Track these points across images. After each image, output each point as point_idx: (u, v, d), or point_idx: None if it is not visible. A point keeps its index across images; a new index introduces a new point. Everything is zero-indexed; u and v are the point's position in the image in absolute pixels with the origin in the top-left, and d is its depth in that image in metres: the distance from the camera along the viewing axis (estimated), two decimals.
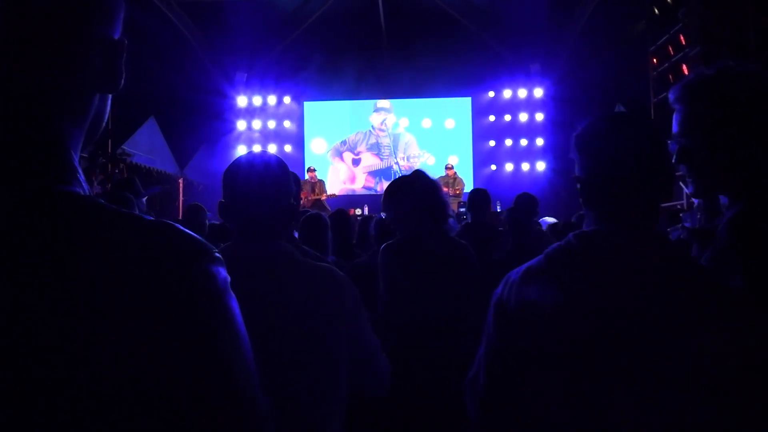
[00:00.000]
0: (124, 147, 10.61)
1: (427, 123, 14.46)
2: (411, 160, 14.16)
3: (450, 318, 2.45)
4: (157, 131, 12.81)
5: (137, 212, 3.02)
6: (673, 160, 1.40)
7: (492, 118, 14.36)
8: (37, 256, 0.60)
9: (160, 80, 11.10)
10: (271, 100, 14.26)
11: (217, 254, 0.70)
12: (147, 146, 12.18)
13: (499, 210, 11.59)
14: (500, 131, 14.31)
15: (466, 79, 13.65)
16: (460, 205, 10.48)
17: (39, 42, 0.67)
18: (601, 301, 1.10)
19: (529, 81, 14.05)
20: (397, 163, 14.11)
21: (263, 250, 1.50)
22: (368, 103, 14.52)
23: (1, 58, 0.66)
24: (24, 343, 0.58)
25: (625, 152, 1.18)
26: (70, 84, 0.70)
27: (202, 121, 13.17)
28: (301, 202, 10.78)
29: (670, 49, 10.10)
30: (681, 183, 9.39)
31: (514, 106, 14.20)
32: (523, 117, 14.07)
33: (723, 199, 1.42)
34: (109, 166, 9.76)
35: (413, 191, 2.60)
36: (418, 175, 2.69)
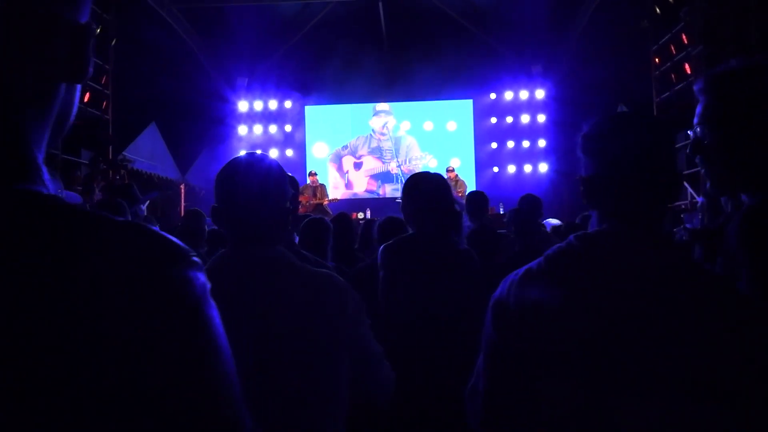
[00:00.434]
0: (125, 153, 10.60)
1: (428, 126, 14.43)
2: (412, 163, 14.13)
3: (449, 320, 2.41)
4: (158, 137, 12.81)
5: (132, 218, 2.98)
6: (688, 151, 1.40)
7: (494, 119, 14.32)
8: None
9: (161, 86, 11.11)
10: (273, 104, 14.25)
11: (195, 258, 0.65)
12: (148, 152, 12.18)
13: (502, 212, 11.56)
14: (502, 133, 14.27)
15: (467, 81, 13.60)
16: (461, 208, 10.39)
17: None
18: (602, 302, 1.09)
19: (530, 82, 14.02)
20: (399, 166, 14.08)
21: (260, 255, 1.44)
22: (370, 107, 14.49)
23: None
24: None
25: (630, 152, 1.17)
26: (31, 73, 0.63)
27: (204, 126, 13.17)
28: (303, 206, 10.75)
29: (673, 48, 10.06)
30: (686, 183, 9.36)
31: (516, 107, 14.16)
32: (525, 118, 14.03)
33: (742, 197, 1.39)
34: (110, 172, 9.74)
35: (418, 192, 2.56)
36: (424, 176, 2.65)
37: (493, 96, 14.23)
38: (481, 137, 14.39)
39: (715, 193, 1.48)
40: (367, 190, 14.28)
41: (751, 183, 1.33)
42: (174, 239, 0.64)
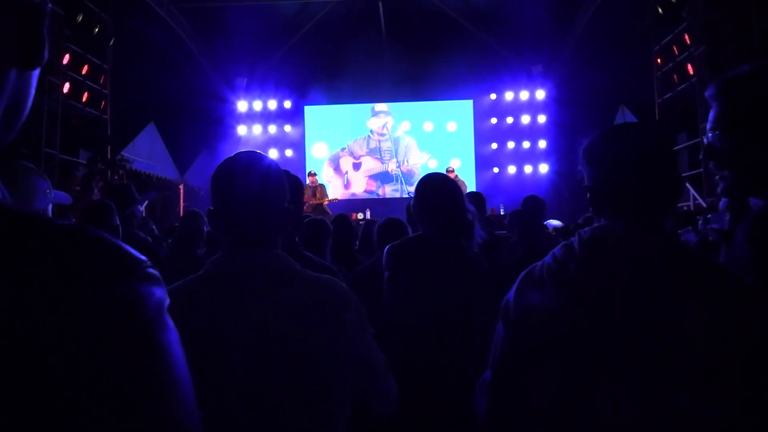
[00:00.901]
0: (123, 153, 10.55)
1: (428, 126, 14.40)
2: (411, 163, 14.08)
3: (454, 323, 2.36)
4: (157, 137, 12.75)
5: (129, 219, 2.89)
6: (701, 156, 1.41)
7: (494, 120, 14.29)
8: None
9: (159, 86, 11.06)
10: (272, 104, 14.20)
11: (151, 270, 0.56)
12: (147, 152, 12.12)
13: (502, 213, 11.51)
14: (502, 133, 14.24)
15: (467, 82, 13.56)
16: None
17: None
18: (605, 296, 1.13)
19: (531, 83, 13.98)
20: (398, 166, 14.04)
21: (258, 260, 1.36)
22: (369, 107, 14.44)
23: None
24: None
25: (629, 158, 1.22)
26: None
27: (203, 126, 13.12)
28: (305, 208, 10.68)
29: (675, 48, 10.02)
30: (688, 185, 9.31)
31: (516, 108, 14.12)
32: (526, 119, 14.00)
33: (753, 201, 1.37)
34: (109, 172, 9.68)
35: (430, 192, 2.50)
36: (437, 178, 2.59)
37: (493, 96, 14.19)
38: (482, 138, 14.35)
39: (729, 198, 1.45)
40: (366, 191, 14.23)
41: (764, 188, 1.31)
42: (126, 247, 0.55)
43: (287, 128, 14.35)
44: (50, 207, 1.75)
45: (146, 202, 9.26)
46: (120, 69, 10.80)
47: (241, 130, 14.09)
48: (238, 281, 1.33)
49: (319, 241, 3.18)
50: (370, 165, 14.34)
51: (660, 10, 10.21)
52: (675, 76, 10.18)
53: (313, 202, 10.88)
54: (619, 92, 11.46)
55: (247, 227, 1.38)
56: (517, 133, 14.11)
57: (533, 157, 13.98)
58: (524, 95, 13.96)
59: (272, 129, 14.27)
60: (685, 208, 9.27)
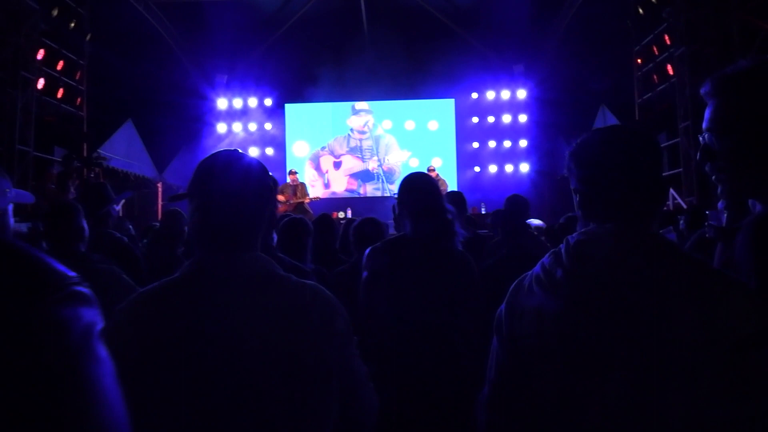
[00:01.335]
0: (100, 150, 10.37)
1: (410, 125, 14.35)
2: (392, 161, 14.03)
3: (437, 325, 2.29)
4: (134, 134, 12.57)
5: (103, 219, 2.79)
6: (698, 158, 1.34)
7: (475, 119, 14.29)
8: None
9: (137, 82, 10.90)
10: (252, 102, 14.06)
11: (77, 289, 0.48)
12: (124, 150, 11.94)
13: (483, 212, 11.52)
14: (484, 133, 14.24)
15: (449, 81, 13.53)
16: None
17: None
18: (596, 301, 1.11)
19: (512, 82, 14.01)
20: (380, 165, 13.99)
21: (237, 262, 1.28)
22: (350, 105, 14.36)
23: None
24: None
25: (620, 161, 1.21)
26: None
27: (182, 123, 12.95)
28: (283, 205, 10.61)
29: (655, 49, 10.08)
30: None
31: (497, 107, 14.14)
32: (507, 118, 14.02)
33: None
34: (85, 170, 9.51)
35: (400, 195, 2.45)
36: (410, 178, 2.52)
37: (474, 95, 14.19)
38: (463, 137, 14.34)
39: (728, 200, 1.39)
40: (347, 189, 14.16)
41: (765, 190, 1.25)
42: (48, 263, 0.47)
43: (268, 126, 14.22)
44: (11, 207, 1.66)
45: (123, 201, 9.12)
46: (97, 65, 10.62)
47: (221, 127, 13.93)
48: (216, 285, 1.25)
49: (299, 240, 3.12)
50: (350, 164, 14.26)
51: (641, 10, 10.27)
52: (655, 77, 10.25)
53: (294, 200, 10.79)
54: (599, 92, 11.52)
55: (226, 228, 1.30)
56: (499, 132, 14.13)
57: (514, 156, 14.01)
58: (505, 94, 13.98)
59: (252, 127, 14.13)
60: (665, 208, 9.34)
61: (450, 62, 13.33)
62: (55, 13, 9.33)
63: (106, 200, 3.37)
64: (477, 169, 14.15)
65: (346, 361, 1.32)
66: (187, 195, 1.33)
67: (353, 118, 14.33)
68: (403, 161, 14.02)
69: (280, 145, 14.34)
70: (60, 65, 9.90)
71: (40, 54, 9.18)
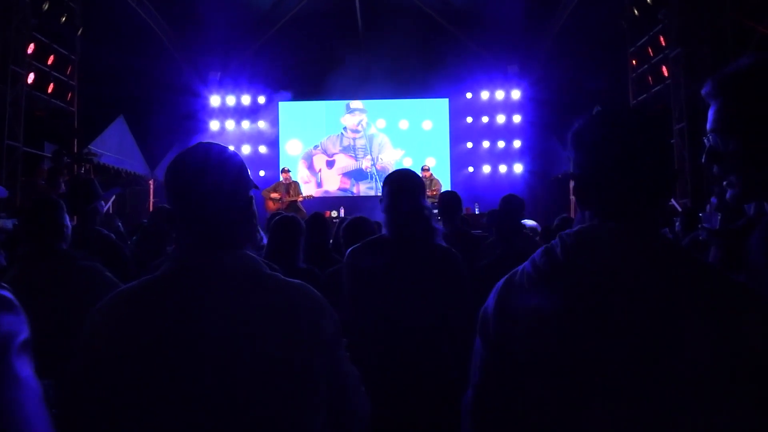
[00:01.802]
0: (90, 147, 10.26)
1: (404, 124, 14.31)
2: (386, 161, 13.98)
3: (418, 328, 2.22)
4: (126, 131, 12.44)
5: (90, 215, 2.73)
6: (703, 160, 1.26)
7: (469, 119, 14.26)
8: None
9: (129, 78, 10.80)
10: (245, 100, 13.98)
11: None
12: (116, 146, 11.82)
13: (477, 212, 11.48)
14: (478, 133, 14.21)
15: (443, 80, 13.49)
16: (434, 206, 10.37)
17: None
18: (594, 304, 1.03)
19: (506, 82, 13.98)
20: (373, 164, 13.94)
21: (221, 260, 1.22)
22: (344, 104, 14.30)
23: None
24: None
25: (624, 147, 1.11)
26: None
27: (174, 120, 12.83)
28: (276, 203, 10.54)
29: (650, 50, 10.07)
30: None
31: (491, 107, 14.11)
32: (501, 118, 14.00)
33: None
34: (75, 166, 9.42)
35: (396, 189, 2.38)
36: (391, 176, 2.45)
37: (469, 95, 14.15)
38: (457, 137, 14.31)
39: (740, 202, 1.33)
40: (340, 188, 14.10)
41: None
42: None
43: (261, 124, 14.13)
44: None
45: (113, 198, 9.03)
46: (88, 60, 10.51)
47: (214, 125, 13.83)
48: (197, 284, 1.19)
49: (290, 240, 3.06)
50: (343, 163, 14.20)
51: (636, 11, 10.26)
52: (650, 78, 10.24)
53: (287, 199, 10.73)
54: (593, 93, 11.50)
55: (208, 225, 1.24)
56: (492, 132, 14.10)
57: (508, 156, 13.99)
58: (500, 95, 13.95)
59: (245, 124, 14.04)
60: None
61: (444, 62, 13.32)
62: (45, 6, 9.23)
63: (93, 196, 3.30)
64: (471, 169, 14.12)
65: (334, 364, 1.26)
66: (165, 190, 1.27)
67: (347, 116, 14.27)
68: (396, 160, 13.97)
69: (274, 144, 14.27)
70: (51, 60, 9.79)
71: (31, 48, 9.07)
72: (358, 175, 14.06)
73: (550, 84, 12.57)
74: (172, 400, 1.10)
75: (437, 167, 13.29)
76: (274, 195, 10.83)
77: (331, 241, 4.14)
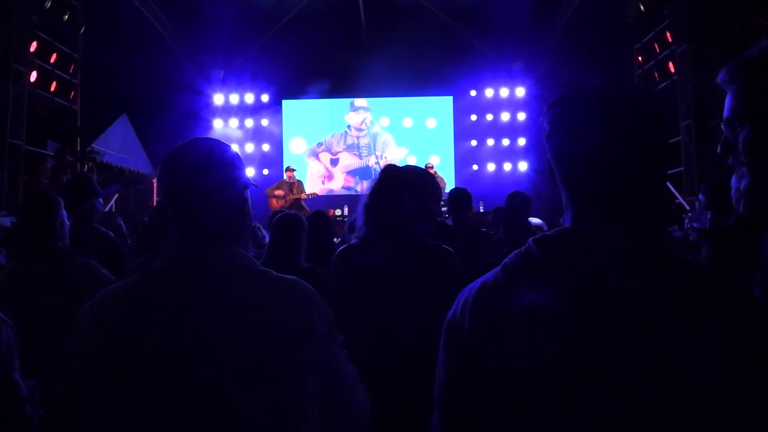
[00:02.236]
0: (93, 145, 10.23)
1: (408, 122, 14.25)
2: (390, 159, 13.92)
3: (408, 332, 2.09)
4: (129, 129, 12.41)
5: (88, 213, 2.68)
6: (719, 150, 1.16)
7: (474, 117, 14.18)
8: None
9: (132, 76, 10.75)
10: (249, 98, 13.91)
11: None
12: (119, 145, 11.79)
13: (482, 210, 11.41)
14: (482, 130, 14.13)
15: (447, 78, 13.44)
16: (443, 204, 10.33)
17: None
18: (575, 316, 0.88)
19: (511, 80, 13.89)
20: (377, 162, 13.89)
21: (213, 257, 1.19)
22: (348, 102, 14.25)
23: None
24: None
25: (617, 126, 0.93)
26: None
27: (178, 119, 12.78)
28: (278, 201, 10.51)
29: (656, 46, 9.98)
30: (668, 184, 9.28)
31: (496, 105, 14.02)
32: (505, 116, 13.91)
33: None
34: (78, 165, 9.38)
35: (367, 192, 2.31)
36: (380, 173, 2.37)
37: (473, 93, 14.06)
38: (461, 134, 14.23)
39: (753, 193, 1.23)
40: (344, 187, 14.05)
41: None
42: None
43: (264, 122, 14.07)
44: None
45: (116, 196, 8.99)
46: (91, 58, 10.48)
47: (218, 123, 13.78)
48: (188, 282, 1.16)
49: (292, 238, 3.00)
50: (347, 161, 14.15)
51: (642, 7, 10.17)
52: (656, 74, 10.15)
53: (290, 197, 10.70)
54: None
55: (200, 221, 1.21)
56: (497, 130, 14.01)
57: (512, 154, 13.91)
58: (504, 92, 13.87)
59: (249, 123, 13.98)
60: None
61: (448, 59, 13.24)
62: (48, 4, 9.19)
63: (91, 194, 3.25)
64: (475, 167, 14.04)
65: (328, 362, 1.24)
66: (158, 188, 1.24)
67: (351, 114, 14.22)
68: (401, 158, 13.90)
69: (278, 142, 14.21)
70: (53, 58, 9.75)
71: (33, 46, 9.03)
72: (362, 173, 14.01)
73: (555, 81, 12.46)
74: (162, 398, 1.08)
75: (441, 165, 13.23)
76: (278, 192, 10.80)
77: (336, 239, 4.08)
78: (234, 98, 13.89)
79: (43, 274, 2.18)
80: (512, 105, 13.93)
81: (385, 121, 14.24)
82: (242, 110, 14.00)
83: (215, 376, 1.09)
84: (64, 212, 2.40)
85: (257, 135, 14.10)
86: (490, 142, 13.99)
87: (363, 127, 14.17)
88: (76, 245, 2.62)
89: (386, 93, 13.87)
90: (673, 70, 9.52)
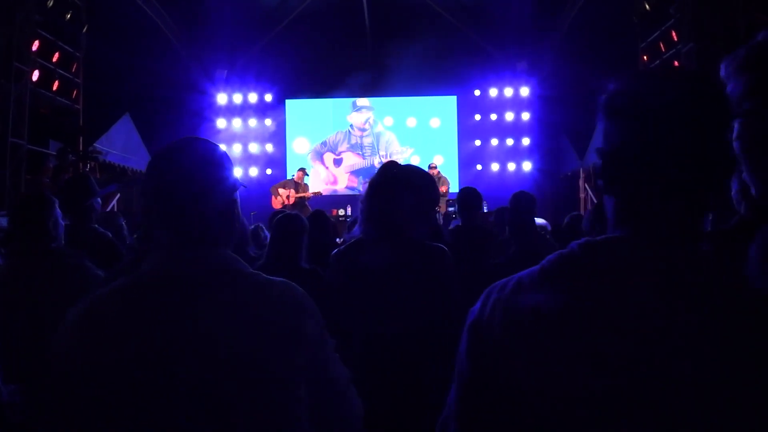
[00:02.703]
0: (96, 144, 10.20)
1: (412, 122, 14.21)
2: (393, 158, 13.87)
3: (404, 335, 2.07)
4: (132, 128, 12.38)
5: (87, 212, 2.64)
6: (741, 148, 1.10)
7: (478, 117, 14.12)
8: None
9: (135, 75, 10.74)
10: (252, 97, 13.88)
11: None
12: (122, 144, 11.77)
13: (486, 210, 11.35)
14: (486, 130, 14.07)
15: (451, 78, 13.40)
16: (448, 204, 10.29)
17: None
18: (619, 324, 0.82)
19: (515, 79, 13.82)
20: (381, 162, 13.84)
21: (202, 261, 1.17)
22: (351, 102, 14.21)
23: None
24: None
25: (676, 117, 0.84)
26: None
27: (181, 118, 12.77)
28: (283, 201, 10.50)
29: (662, 45, 9.90)
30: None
31: (500, 104, 13.95)
32: (509, 116, 13.84)
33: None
34: (80, 164, 9.35)
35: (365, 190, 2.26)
36: (380, 170, 2.31)
37: (477, 93, 14.00)
38: (465, 134, 14.18)
39: (760, 192, 1.17)
40: (347, 187, 14.02)
41: None
42: None
43: (268, 122, 14.05)
44: None
45: (117, 196, 8.96)
46: (93, 57, 10.45)
47: (221, 123, 13.74)
48: (178, 284, 1.14)
49: (293, 238, 2.95)
50: (351, 161, 14.12)
51: (647, 6, 10.09)
52: None
53: (294, 195, 10.71)
54: (604, 90, 11.35)
55: (187, 222, 1.18)
56: (501, 130, 13.95)
57: (517, 154, 13.84)
58: (508, 92, 13.79)
59: (252, 122, 13.94)
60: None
61: (452, 59, 13.21)
62: (50, 3, 9.17)
63: (88, 193, 3.21)
64: (479, 167, 13.98)
65: (319, 366, 1.22)
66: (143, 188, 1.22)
67: (354, 114, 14.18)
68: (404, 158, 13.85)
69: (281, 142, 14.18)
70: (56, 57, 9.73)
71: (35, 45, 9.01)
72: (366, 173, 13.96)
73: (559, 80, 12.41)
74: (148, 402, 1.06)
75: (445, 165, 13.16)
76: (282, 190, 10.78)
77: (339, 239, 4.03)
78: (237, 98, 13.87)
79: (36, 275, 2.14)
80: (516, 104, 13.86)
81: (389, 120, 14.21)
82: (246, 110, 13.97)
83: (204, 378, 1.08)
84: (59, 212, 2.36)
85: (261, 134, 14.07)
86: (494, 141, 13.93)
87: (366, 126, 14.14)
88: (74, 245, 2.58)
89: (390, 93, 13.82)
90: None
